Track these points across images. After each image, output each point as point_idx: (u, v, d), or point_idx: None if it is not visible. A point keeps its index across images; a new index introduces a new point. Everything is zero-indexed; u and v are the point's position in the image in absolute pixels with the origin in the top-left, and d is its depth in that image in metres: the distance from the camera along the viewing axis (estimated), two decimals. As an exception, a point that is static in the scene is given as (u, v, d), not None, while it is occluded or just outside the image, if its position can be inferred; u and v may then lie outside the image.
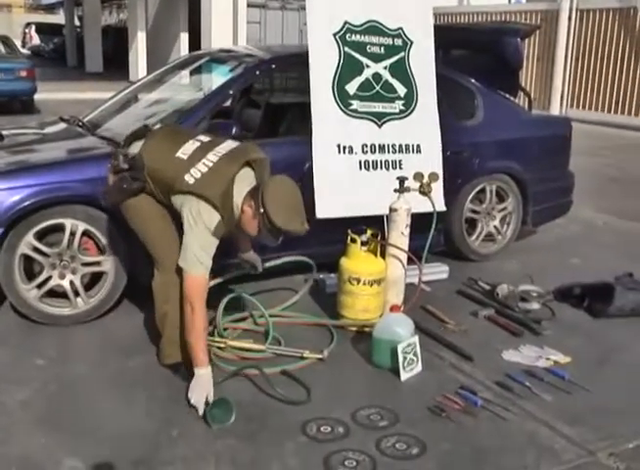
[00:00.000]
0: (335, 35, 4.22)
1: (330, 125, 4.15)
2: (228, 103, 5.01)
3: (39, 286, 3.68)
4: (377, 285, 3.79)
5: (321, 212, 4.04)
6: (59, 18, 36.02)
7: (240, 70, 4.48)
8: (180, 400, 2.99)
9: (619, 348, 3.72)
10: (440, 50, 4.72)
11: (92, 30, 23.65)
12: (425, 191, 3.93)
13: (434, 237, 4.06)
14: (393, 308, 3.51)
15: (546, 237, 5.67)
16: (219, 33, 14.47)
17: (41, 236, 3.64)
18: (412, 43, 4.49)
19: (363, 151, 4.25)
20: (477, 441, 2.80)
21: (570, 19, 14.50)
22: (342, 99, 4.19)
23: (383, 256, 3.86)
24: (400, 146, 4.39)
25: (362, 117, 4.26)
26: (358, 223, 3.91)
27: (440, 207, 4.31)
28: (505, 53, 5.07)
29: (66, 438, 2.75)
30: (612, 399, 3.16)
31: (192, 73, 5.36)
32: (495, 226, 5.04)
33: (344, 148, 4.19)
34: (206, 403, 2.87)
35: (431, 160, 4.43)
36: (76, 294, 3.73)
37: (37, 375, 3.24)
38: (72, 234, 3.65)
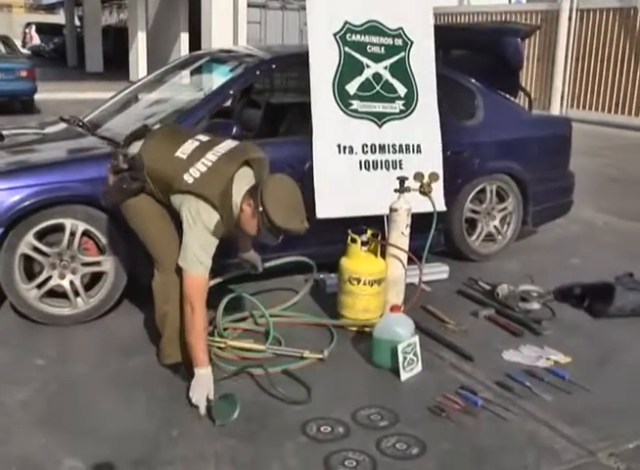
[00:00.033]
0: (335, 35, 4.22)
1: (330, 125, 4.15)
2: (228, 103, 5.01)
3: (39, 286, 3.68)
4: (377, 285, 3.79)
5: (321, 213, 4.04)
6: (59, 18, 36.03)
7: (240, 70, 4.48)
8: (180, 401, 2.99)
9: (620, 348, 3.72)
10: (441, 50, 4.72)
11: (92, 30, 23.66)
12: (425, 191, 3.93)
13: (434, 237, 4.06)
14: (394, 308, 3.51)
15: (546, 237, 5.67)
16: (219, 33, 14.48)
17: (41, 236, 3.64)
18: (412, 43, 4.49)
19: (363, 151, 4.25)
20: (477, 441, 2.80)
21: (570, 19, 14.51)
22: (343, 99, 4.19)
23: (383, 256, 3.86)
24: (401, 146, 4.39)
25: (362, 117, 4.26)
26: (358, 223, 3.91)
27: (441, 207, 4.31)
28: (505, 53, 5.07)
29: (66, 438, 2.75)
30: (612, 400, 3.16)
31: (192, 73, 5.36)
32: (495, 226, 5.04)
33: (345, 148, 4.19)
34: (208, 401, 2.86)
35: (431, 160, 4.43)
36: (76, 294, 3.73)
37: (37, 375, 3.24)
38: (72, 234, 3.65)
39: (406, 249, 3.87)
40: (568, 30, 14.54)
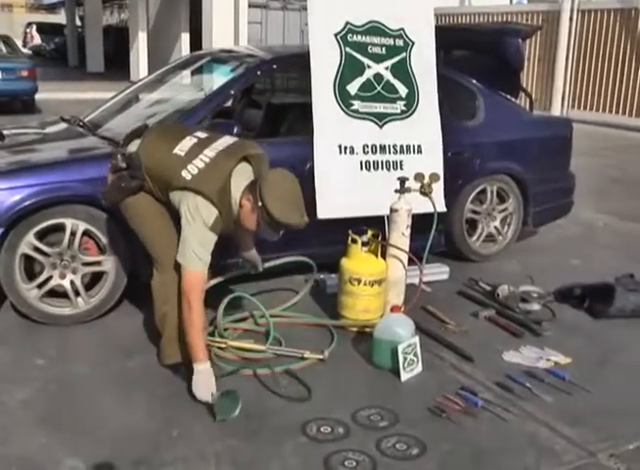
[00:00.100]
0: (336, 36, 4.22)
1: (331, 126, 4.15)
2: (229, 103, 5.02)
3: (40, 286, 3.68)
4: (377, 285, 3.79)
5: (322, 213, 4.04)
6: (60, 17, 36.04)
7: (241, 71, 4.48)
8: (180, 401, 2.99)
9: (620, 349, 3.72)
10: (442, 51, 4.72)
11: (93, 30, 23.66)
12: (425, 192, 3.93)
13: (434, 238, 4.06)
14: (394, 309, 3.51)
15: (547, 238, 5.67)
16: (220, 33, 14.48)
17: (42, 236, 3.64)
18: (413, 44, 4.49)
19: (364, 151, 4.26)
20: (477, 441, 2.80)
21: (571, 19, 14.51)
22: (344, 99, 4.19)
23: (383, 256, 3.86)
24: (401, 146, 4.39)
25: (363, 118, 4.26)
26: (359, 224, 3.91)
27: (441, 207, 4.31)
28: (506, 54, 5.07)
29: (66, 438, 2.75)
30: (612, 400, 3.16)
31: (193, 74, 5.36)
32: (496, 227, 5.03)
33: (346, 148, 4.19)
34: (211, 396, 2.87)
35: (432, 160, 4.43)
36: (77, 293, 3.73)
37: (38, 375, 3.24)
38: (73, 234, 3.65)
39: (407, 249, 3.87)
40: (569, 31, 14.55)
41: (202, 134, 3.12)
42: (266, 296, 4.07)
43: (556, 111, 14.59)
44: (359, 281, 3.76)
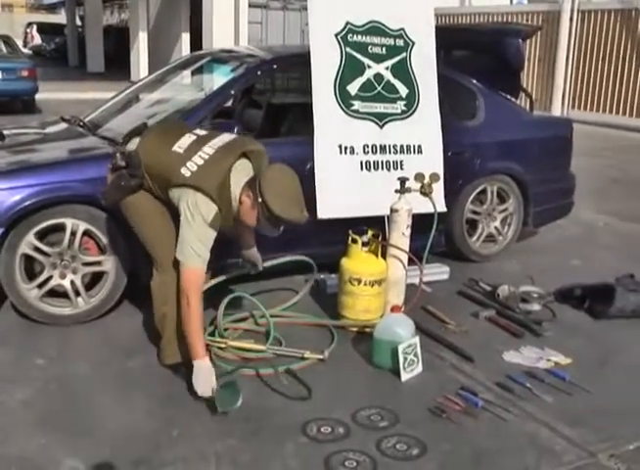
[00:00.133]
0: (336, 36, 4.22)
1: (331, 126, 4.15)
2: (229, 103, 5.02)
3: (40, 286, 3.68)
4: (378, 286, 3.79)
5: (322, 213, 4.04)
6: (60, 17, 36.05)
7: (241, 71, 4.48)
8: (180, 401, 2.99)
9: (620, 349, 3.71)
10: (442, 51, 4.72)
11: (93, 30, 23.66)
12: (426, 192, 3.93)
13: (434, 238, 4.06)
14: (394, 309, 3.51)
15: (547, 238, 5.66)
16: (221, 33, 14.49)
17: (42, 236, 3.64)
18: (414, 44, 4.49)
19: (364, 151, 4.25)
20: (477, 442, 2.80)
21: (571, 20, 14.51)
22: (344, 99, 4.19)
23: (384, 256, 3.86)
24: (402, 146, 4.39)
25: (364, 118, 4.26)
26: (359, 224, 3.91)
27: (441, 207, 4.31)
28: (506, 54, 5.07)
29: (66, 438, 2.75)
30: (612, 401, 3.16)
31: (193, 74, 5.36)
32: (496, 227, 5.03)
33: (346, 148, 4.19)
34: (212, 392, 2.86)
35: (432, 160, 4.43)
36: (77, 293, 3.73)
37: (37, 375, 3.24)
38: (73, 234, 3.65)
39: (407, 249, 3.87)
40: (569, 31, 14.54)
41: (200, 132, 3.13)
42: (266, 296, 4.07)
43: (556, 111, 14.59)
44: (359, 281, 3.75)
